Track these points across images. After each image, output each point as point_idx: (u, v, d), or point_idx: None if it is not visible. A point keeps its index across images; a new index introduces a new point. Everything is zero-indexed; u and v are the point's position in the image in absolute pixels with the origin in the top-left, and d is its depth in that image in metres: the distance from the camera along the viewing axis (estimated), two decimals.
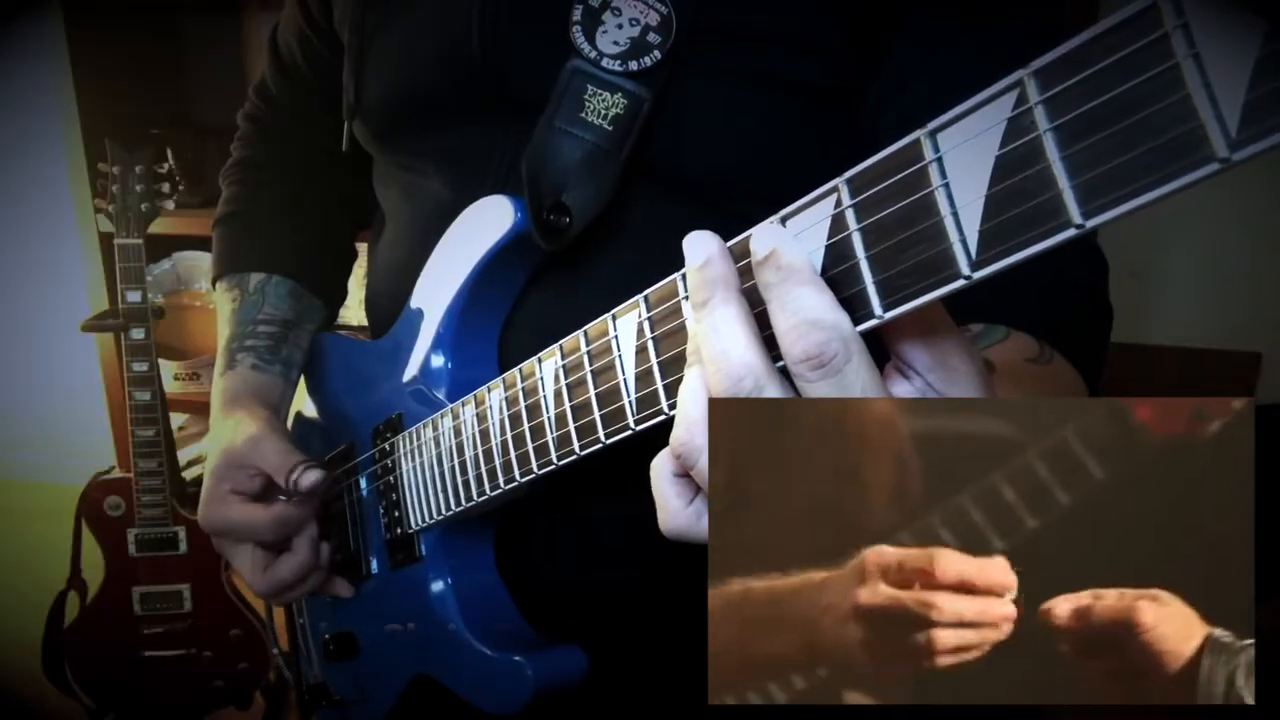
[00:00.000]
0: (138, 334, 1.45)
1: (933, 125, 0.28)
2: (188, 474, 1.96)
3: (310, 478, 0.65)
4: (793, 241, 0.32)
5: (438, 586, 0.65)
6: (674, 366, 0.39)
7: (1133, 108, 0.23)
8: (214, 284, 0.80)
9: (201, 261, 1.97)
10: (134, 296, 1.44)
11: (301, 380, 0.80)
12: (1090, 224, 0.24)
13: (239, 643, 1.52)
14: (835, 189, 0.32)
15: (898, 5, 0.53)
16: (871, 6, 0.53)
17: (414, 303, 0.66)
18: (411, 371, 0.66)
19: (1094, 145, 0.24)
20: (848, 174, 0.31)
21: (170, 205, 1.48)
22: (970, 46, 0.52)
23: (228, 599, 1.51)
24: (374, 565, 0.72)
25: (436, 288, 0.63)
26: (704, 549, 0.64)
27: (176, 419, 2.01)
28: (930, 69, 0.53)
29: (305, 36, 0.77)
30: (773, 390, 0.32)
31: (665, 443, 0.49)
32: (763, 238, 0.33)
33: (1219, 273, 1.91)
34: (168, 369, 1.83)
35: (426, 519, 0.63)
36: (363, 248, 0.85)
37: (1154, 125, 0.22)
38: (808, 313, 0.31)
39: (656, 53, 0.53)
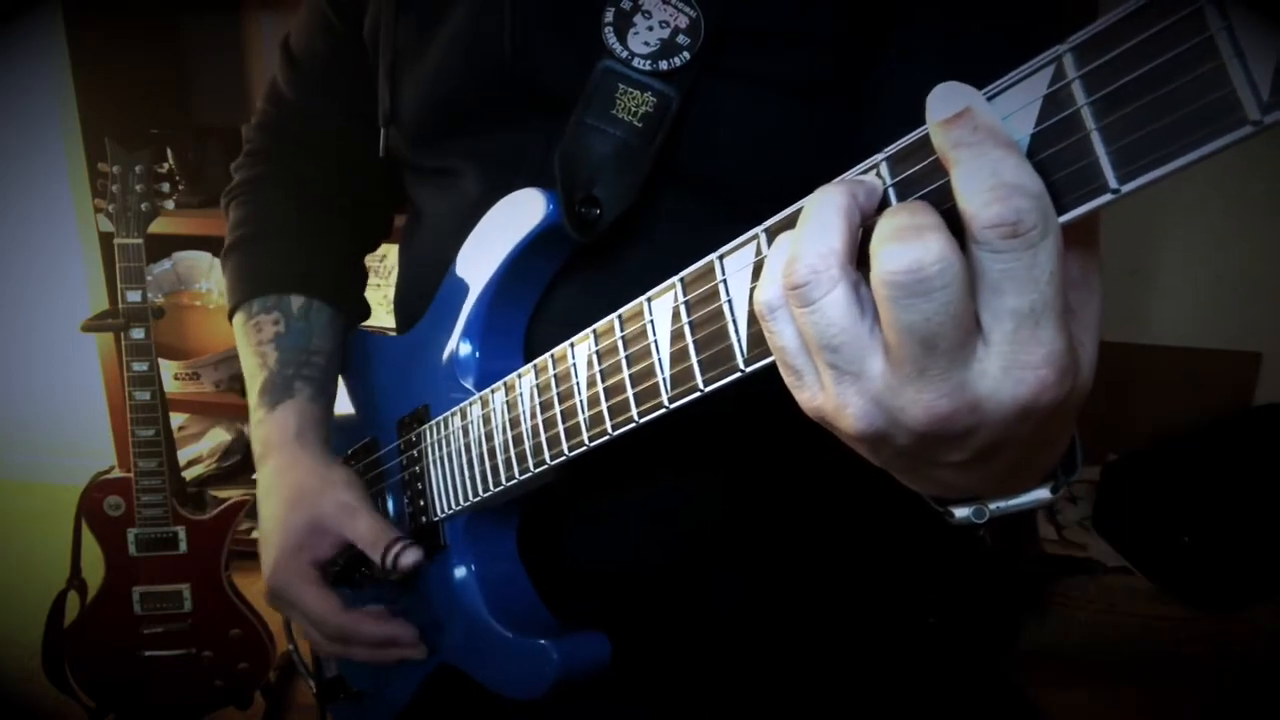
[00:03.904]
0: (138, 334, 1.45)
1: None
2: (188, 474, 1.96)
3: (409, 557, 0.63)
4: (987, 103, 0.29)
5: (461, 573, 0.65)
6: (710, 344, 0.41)
7: (1167, 77, 0.24)
8: (235, 309, 0.75)
9: (201, 261, 1.97)
10: (134, 296, 1.44)
11: None
12: (1126, 188, 0.26)
13: (239, 643, 1.52)
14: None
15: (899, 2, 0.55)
16: (879, 4, 0.55)
17: (442, 294, 0.67)
18: (439, 361, 0.67)
19: (1129, 114, 0.25)
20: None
21: (170, 205, 1.49)
22: (975, 24, 0.53)
23: (228, 599, 1.51)
24: None
25: (467, 278, 0.64)
26: (714, 538, 0.65)
27: (176, 419, 2.01)
28: (938, 45, 0.54)
29: (333, 32, 0.77)
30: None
31: (687, 434, 0.49)
32: (952, 95, 0.28)
33: (1219, 273, 1.94)
34: (168, 369, 1.83)
35: (452, 506, 0.64)
36: (393, 249, 0.84)
37: (1188, 93, 0.24)
38: (1008, 176, 0.27)
39: (685, 53, 0.55)
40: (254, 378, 0.72)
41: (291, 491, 0.67)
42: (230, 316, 0.77)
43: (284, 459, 0.69)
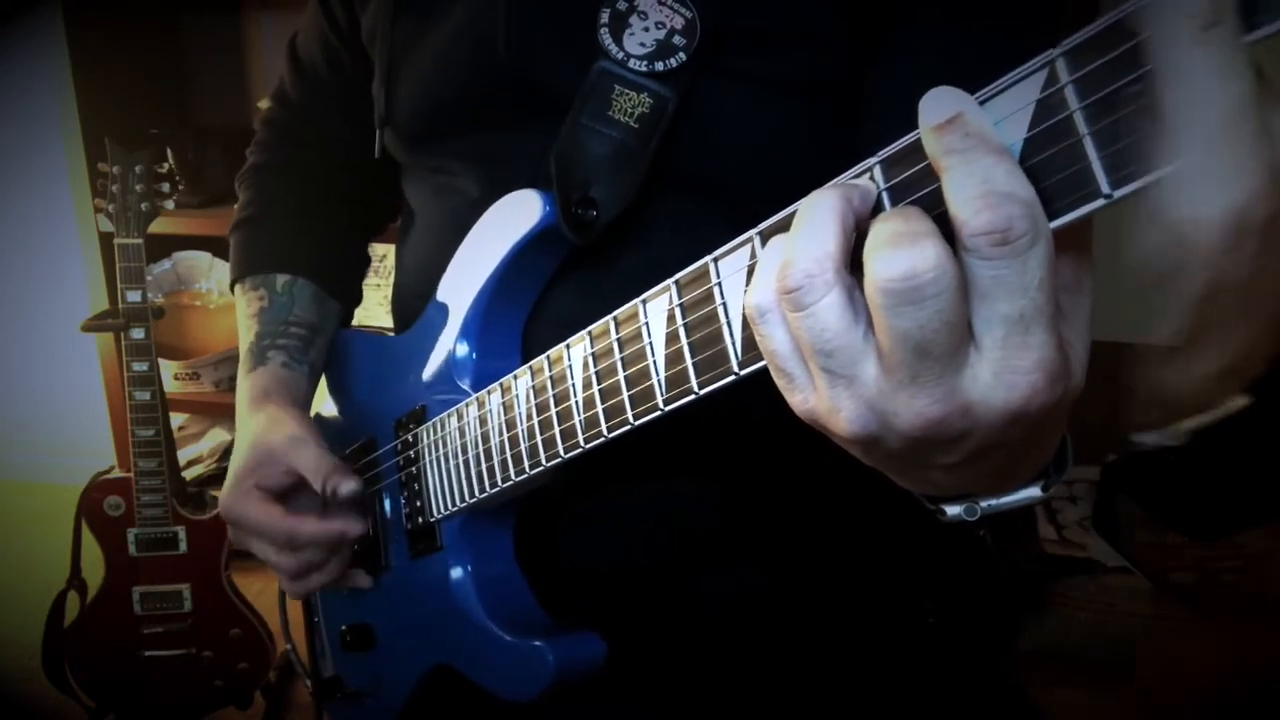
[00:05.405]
0: (138, 334, 1.45)
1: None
2: (188, 474, 1.96)
3: (348, 486, 0.65)
4: (980, 109, 0.29)
5: (457, 574, 0.65)
6: (704, 347, 0.41)
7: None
8: (233, 285, 0.81)
9: (201, 261, 1.97)
10: (134, 296, 1.44)
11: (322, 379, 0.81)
12: (1119, 194, 0.26)
13: (239, 642, 1.52)
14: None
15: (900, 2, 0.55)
16: (880, 4, 0.55)
17: (440, 296, 0.67)
18: (436, 362, 0.67)
19: (1122, 119, 0.25)
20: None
21: (170, 205, 1.49)
22: (977, 25, 0.53)
23: (228, 599, 1.51)
24: (393, 556, 0.73)
25: (464, 280, 0.64)
26: (708, 538, 0.65)
27: (176, 419, 2.01)
28: (938, 45, 0.53)
29: (330, 46, 0.79)
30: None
31: (682, 437, 0.49)
32: (943, 100, 0.28)
33: None
34: (168, 369, 1.83)
35: (449, 507, 0.64)
36: (391, 249, 0.86)
37: None
38: (999, 184, 0.27)
39: (681, 54, 0.55)
40: (241, 349, 0.78)
41: (249, 437, 0.70)
42: (231, 289, 0.82)
43: (248, 413, 0.72)
